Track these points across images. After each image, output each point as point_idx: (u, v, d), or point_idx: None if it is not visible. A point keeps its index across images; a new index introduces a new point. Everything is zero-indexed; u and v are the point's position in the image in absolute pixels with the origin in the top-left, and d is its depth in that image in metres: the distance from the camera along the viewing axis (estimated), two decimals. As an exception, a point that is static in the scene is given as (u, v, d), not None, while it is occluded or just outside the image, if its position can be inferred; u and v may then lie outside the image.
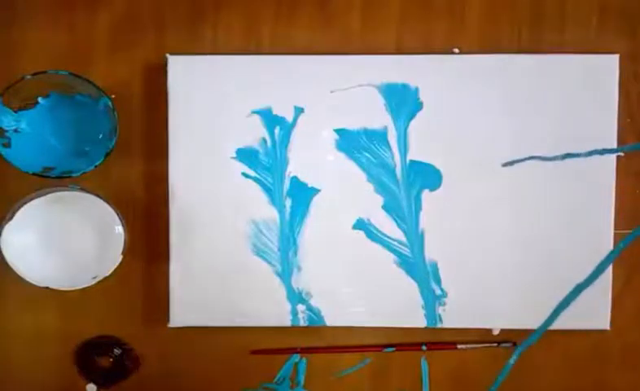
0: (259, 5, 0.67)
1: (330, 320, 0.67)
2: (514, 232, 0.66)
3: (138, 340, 0.69)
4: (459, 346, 0.69)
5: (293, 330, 0.68)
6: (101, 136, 0.65)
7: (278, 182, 0.66)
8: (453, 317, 0.67)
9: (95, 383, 0.69)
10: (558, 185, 0.66)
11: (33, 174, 0.62)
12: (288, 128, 0.66)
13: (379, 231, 0.67)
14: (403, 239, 0.67)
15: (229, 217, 0.66)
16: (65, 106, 0.65)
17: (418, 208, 0.67)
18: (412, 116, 0.66)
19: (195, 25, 0.67)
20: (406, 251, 0.67)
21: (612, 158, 0.66)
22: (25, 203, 0.62)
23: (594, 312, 0.67)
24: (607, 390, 0.69)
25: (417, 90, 0.66)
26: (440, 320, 0.67)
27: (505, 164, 0.66)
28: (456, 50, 0.67)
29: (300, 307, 0.67)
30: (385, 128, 0.66)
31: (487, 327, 0.68)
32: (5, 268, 0.62)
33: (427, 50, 0.67)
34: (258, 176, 0.66)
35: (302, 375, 0.69)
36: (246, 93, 0.66)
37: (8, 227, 0.62)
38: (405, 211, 0.67)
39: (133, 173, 0.68)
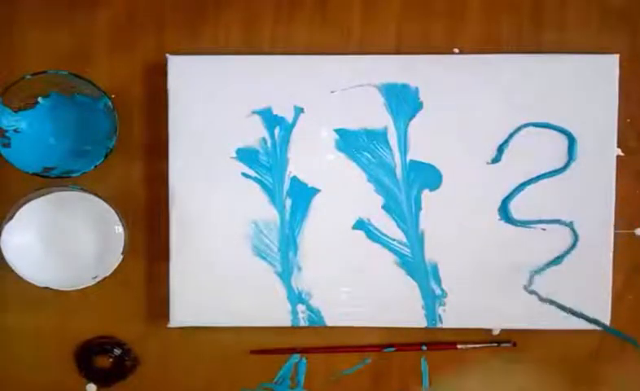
0: (259, 5, 0.67)
1: (330, 320, 0.67)
2: (514, 232, 0.66)
3: (138, 340, 0.69)
4: (459, 346, 0.69)
5: (293, 330, 0.68)
6: (101, 136, 0.65)
7: (278, 182, 0.66)
8: (453, 317, 0.67)
9: (95, 383, 0.69)
10: (558, 184, 0.66)
11: (33, 174, 0.62)
12: (288, 128, 0.66)
13: (379, 231, 0.67)
14: (403, 239, 0.67)
15: (229, 217, 0.66)
16: (65, 106, 0.65)
17: (418, 208, 0.67)
18: (412, 116, 0.66)
19: (195, 25, 0.67)
20: (406, 251, 0.67)
21: (612, 158, 0.66)
22: (25, 203, 0.62)
23: (594, 312, 0.67)
24: (606, 390, 0.69)
25: (417, 90, 0.66)
26: (440, 320, 0.67)
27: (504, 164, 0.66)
28: (456, 50, 0.67)
29: (300, 307, 0.67)
30: (385, 128, 0.66)
31: (487, 327, 0.68)
32: (5, 268, 0.62)
33: (427, 50, 0.67)
34: (258, 176, 0.66)
35: (302, 375, 0.69)
36: (246, 93, 0.66)
37: (8, 227, 0.62)
38: (405, 211, 0.67)
39: (133, 173, 0.68)
